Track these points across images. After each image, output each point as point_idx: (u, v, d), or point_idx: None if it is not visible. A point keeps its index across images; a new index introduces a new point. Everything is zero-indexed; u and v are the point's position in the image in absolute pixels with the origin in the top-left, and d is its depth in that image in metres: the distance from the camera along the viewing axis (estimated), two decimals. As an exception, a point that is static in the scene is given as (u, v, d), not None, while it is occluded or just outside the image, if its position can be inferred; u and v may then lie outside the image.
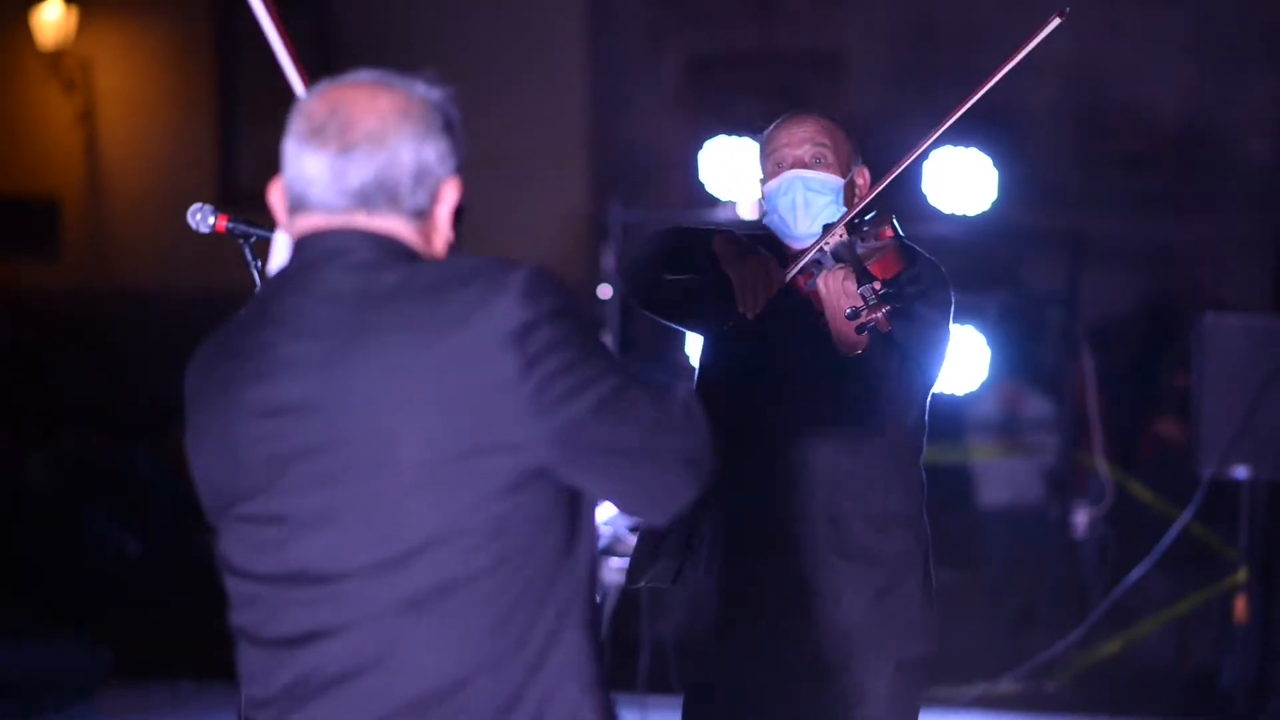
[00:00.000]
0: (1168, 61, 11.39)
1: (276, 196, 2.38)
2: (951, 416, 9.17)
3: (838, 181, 3.84)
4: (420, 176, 2.32)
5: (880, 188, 3.82)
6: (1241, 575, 7.26)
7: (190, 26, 11.95)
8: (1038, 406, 9.59)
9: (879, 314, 3.59)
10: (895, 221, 3.77)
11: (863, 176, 3.90)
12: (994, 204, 6.19)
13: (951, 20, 11.58)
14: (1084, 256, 9.20)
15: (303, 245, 2.33)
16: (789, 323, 3.76)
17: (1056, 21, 3.72)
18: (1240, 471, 7.15)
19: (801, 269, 3.76)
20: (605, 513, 6.29)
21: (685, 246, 3.84)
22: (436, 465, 2.21)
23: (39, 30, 11.77)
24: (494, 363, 2.20)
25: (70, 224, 12.07)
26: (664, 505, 2.35)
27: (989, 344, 5.94)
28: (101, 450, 10.58)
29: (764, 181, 3.91)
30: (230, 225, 3.58)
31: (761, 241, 3.86)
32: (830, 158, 3.84)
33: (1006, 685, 7.93)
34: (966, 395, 6.12)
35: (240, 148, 11.93)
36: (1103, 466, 8.62)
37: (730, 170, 6.95)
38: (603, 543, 6.42)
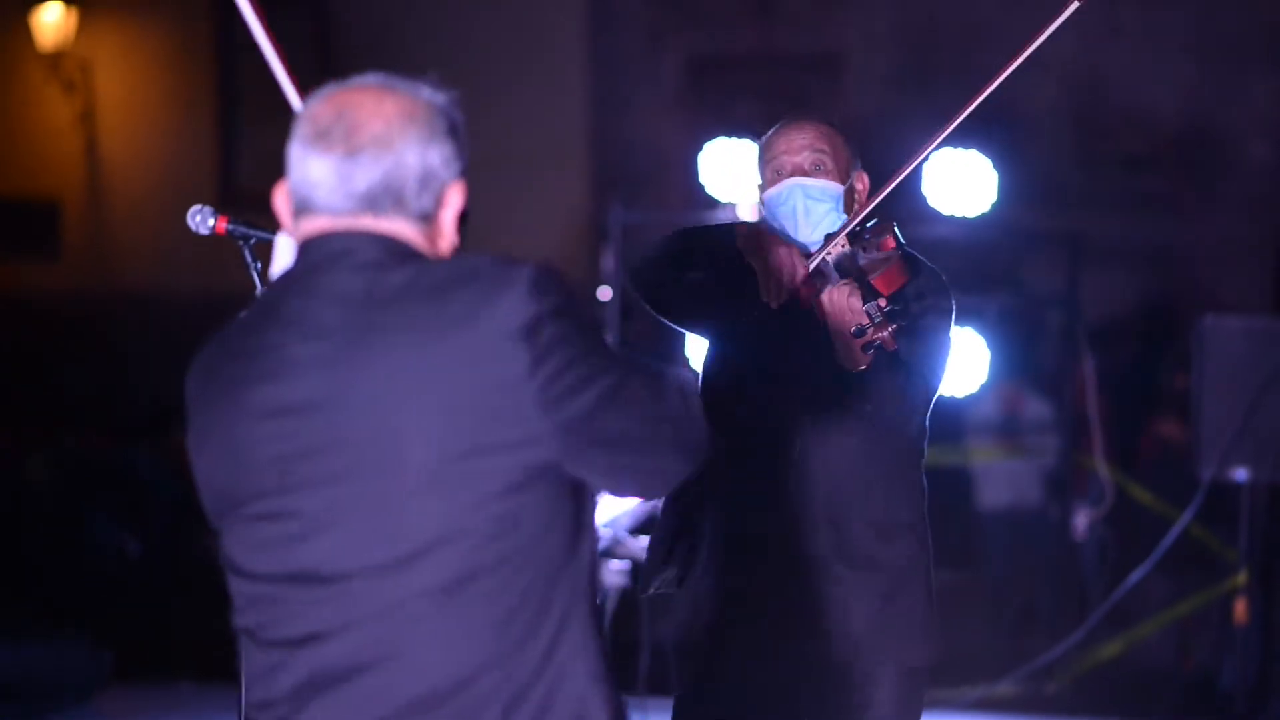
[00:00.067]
0: (1168, 62, 11.38)
1: (281, 199, 2.38)
2: (951, 418, 9.17)
3: (838, 189, 3.82)
4: (425, 180, 2.33)
5: (888, 189, 3.79)
6: (1241, 577, 7.26)
7: (190, 28, 11.95)
8: (1038, 408, 9.59)
9: (885, 333, 3.56)
10: (897, 230, 3.76)
11: (862, 182, 3.89)
12: (994, 205, 6.19)
13: (952, 20, 11.58)
14: (1084, 257, 9.21)
15: (308, 248, 2.34)
16: (792, 330, 3.75)
17: (1075, 6, 3.70)
18: (1240, 473, 7.16)
19: (803, 280, 3.75)
20: (605, 514, 6.29)
21: (697, 245, 3.83)
22: (444, 463, 2.22)
23: (39, 31, 11.76)
24: (503, 359, 2.21)
25: (70, 225, 12.07)
26: (656, 488, 2.42)
27: (989, 345, 5.94)
28: (101, 450, 10.58)
29: (763, 188, 3.89)
30: (230, 227, 3.58)
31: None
32: (830, 164, 3.82)
33: (1006, 687, 7.93)
34: (966, 397, 6.11)
35: (240, 149, 11.92)
36: (1103, 468, 8.62)
37: (730, 172, 6.95)
38: (603, 545, 6.42)
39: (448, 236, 2.37)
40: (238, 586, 2.35)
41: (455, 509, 2.22)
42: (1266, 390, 7.06)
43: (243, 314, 2.41)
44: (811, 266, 3.73)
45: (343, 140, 2.30)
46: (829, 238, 3.77)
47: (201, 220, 3.58)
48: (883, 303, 3.58)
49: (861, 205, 3.86)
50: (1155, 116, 11.49)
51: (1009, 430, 9.63)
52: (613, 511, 6.39)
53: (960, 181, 6.08)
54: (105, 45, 11.91)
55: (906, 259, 3.74)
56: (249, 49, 3.24)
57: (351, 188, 2.31)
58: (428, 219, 2.34)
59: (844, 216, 3.83)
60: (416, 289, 2.26)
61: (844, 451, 3.73)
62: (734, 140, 6.97)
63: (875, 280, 3.67)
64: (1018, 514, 9.62)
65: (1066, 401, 9.14)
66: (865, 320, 3.58)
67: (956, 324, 3.87)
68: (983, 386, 6.04)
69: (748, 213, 7.28)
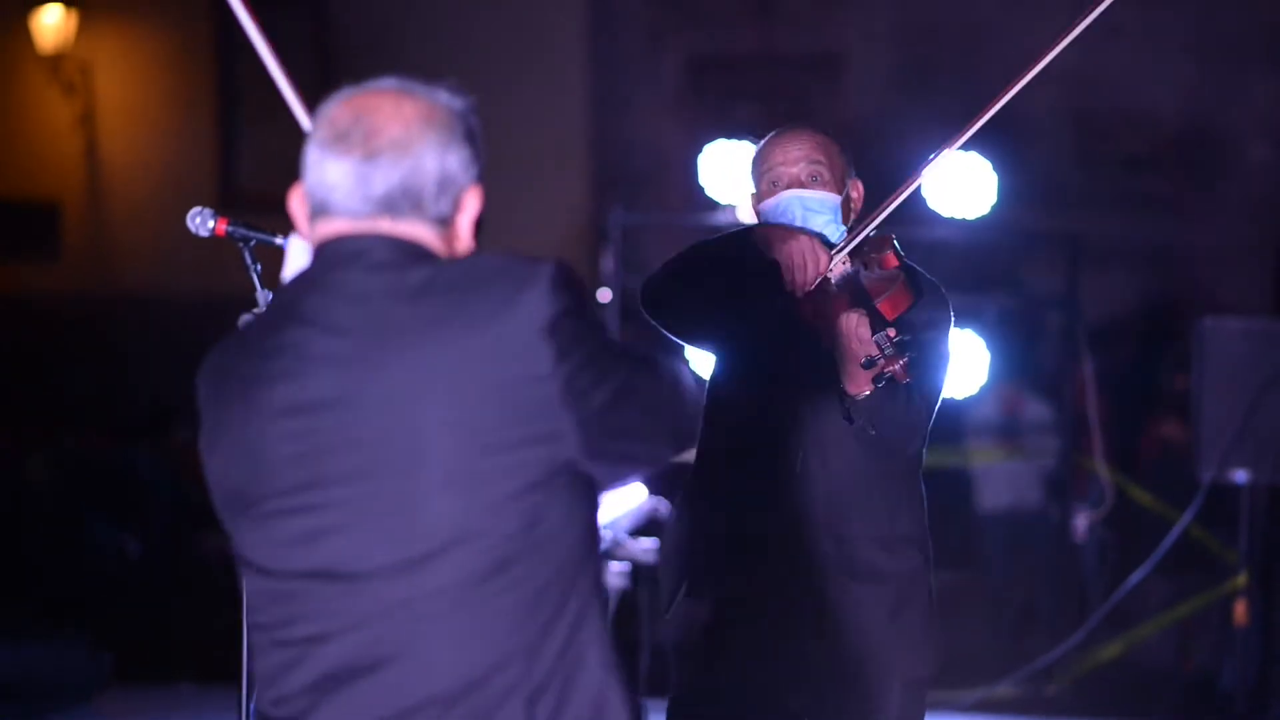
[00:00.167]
0: (1168, 62, 11.38)
1: (296, 202, 2.38)
2: (951, 419, 9.16)
3: (835, 199, 3.81)
4: (444, 184, 2.33)
5: (895, 202, 3.77)
6: (1241, 579, 7.26)
7: (190, 29, 11.94)
8: (1038, 409, 9.59)
9: (897, 366, 3.52)
10: (896, 243, 3.74)
11: (857, 190, 3.88)
12: (994, 206, 6.18)
13: (952, 21, 11.58)
14: (1084, 258, 9.20)
15: (324, 249, 2.34)
16: (798, 345, 3.73)
17: (1100, 8, 3.69)
18: (1240, 475, 7.15)
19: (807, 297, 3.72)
20: (606, 516, 6.29)
21: (706, 261, 3.79)
22: (465, 460, 2.22)
23: (39, 34, 11.76)
24: (527, 356, 2.22)
25: (70, 226, 12.07)
26: (645, 472, 2.48)
27: (989, 347, 5.93)
28: (101, 450, 10.58)
29: (757, 198, 3.88)
30: (230, 229, 3.59)
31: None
32: (827, 175, 3.80)
33: (1006, 688, 7.93)
34: (966, 398, 6.11)
35: (240, 149, 11.92)
36: (1103, 469, 8.62)
37: (730, 173, 6.94)
38: (603, 546, 6.42)
39: (464, 240, 2.37)
40: (252, 584, 2.34)
41: (475, 507, 2.23)
42: (1266, 391, 7.06)
43: (246, 315, 2.41)
44: (833, 261, 3.70)
45: (361, 143, 2.31)
46: (834, 250, 3.74)
47: (201, 222, 3.58)
48: (892, 333, 3.53)
49: (859, 214, 3.85)
50: (1155, 116, 11.49)
51: (1009, 431, 9.63)
52: (613, 513, 6.40)
53: (960, 183, 6.07)
54: (105, 47, 11.91)
55: (909, 277, 3.72)
56: (249, 50, 3.24)
57: (370, 191, 2.31)
58: (445, 223, 2.35)
59: (842, 226, 3.82)
60: (435, 287, 2.26)
61: (846, 464, 3.72)
62: (734, 141, 6.97)
63: (881, 304, 3.63)
64: (1018, 515, 9.62)
65: (1066, 402, 9.14)
66: (875, 351, 3.53)
67: (956, 325, 3.87)
68: (983, 388, 6.03)
69: (748, 215, 7.29)
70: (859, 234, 3.75)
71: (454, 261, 2.33)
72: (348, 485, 2.25)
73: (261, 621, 2.34)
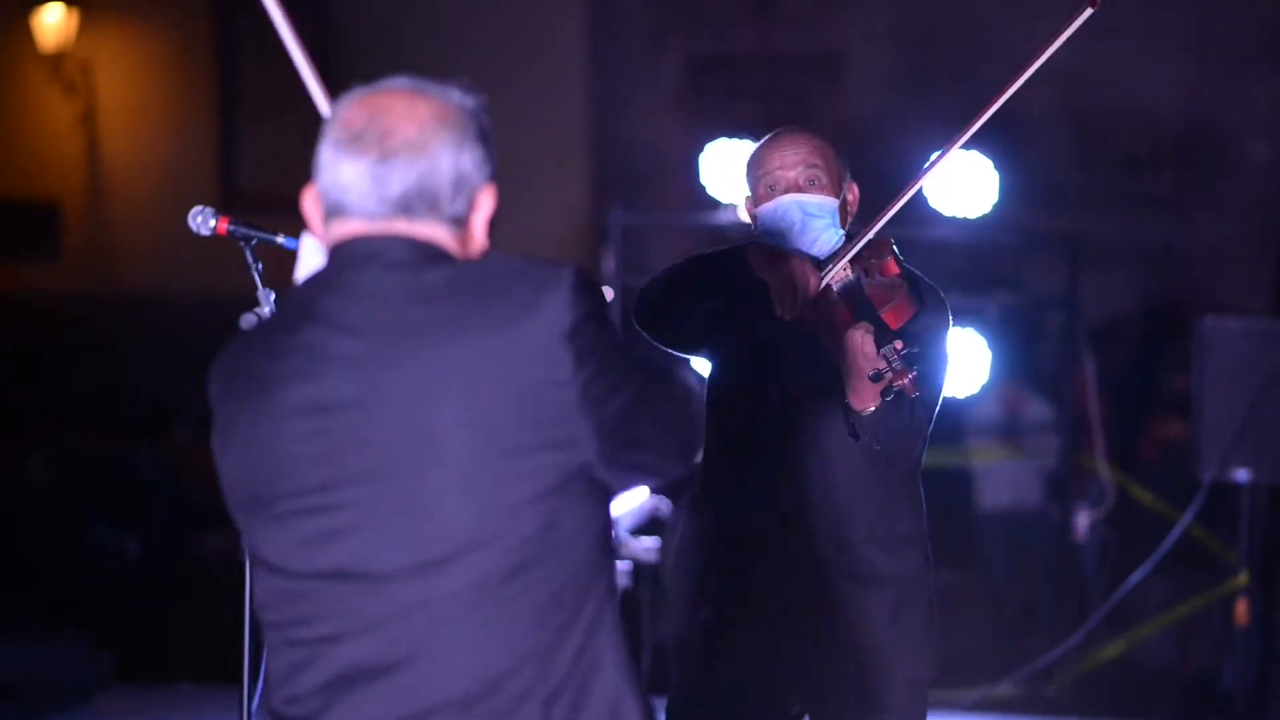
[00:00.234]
0: (1168, 62, 11.38)
1: (310, 203, 2.38)
2: (952, 419, 9.16)
3: (833, 203, 3.80)
4: (459, 184, 2.33)
5: (896, 206, 3.77)
6: (1242, 578, 7.26)
7: (191, 28, 11.94)
8: (1038, 409, 9.58)
9: (905, 380, 3.50)
10: (895, 248, 3.73)
11: (853, 193, 3.87)
12: (994, 206, 6.19)
13: (952, 21, 11.57)
14: (1084, 258, 9.19)
15: (340, 250, 2.34)
16: (798, 353, 3.73)
17: (1088, 12, 3.69)
18: (1241, 474, 7.15)
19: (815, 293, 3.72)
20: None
21: (703, 274, 3.80)
22: (482, 463, 2.22)
23: (39, 33, 11.76)
24: (548, 361, 2.22)
25: (71, 226, 12.07)
26: (654, 482, 2.46)
27: (989, 346, 5.94)
28: (101, 450, 10.58)
29: (754, 202, 3.87)
30: (231, 228, 3.59)
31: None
32: (824, 179, 3.80)
33: (1006, 688, 7.93)
34: (967, 398, 6.11)
35: (241, 149, 11.92)
36: (1103, 469, 8.62)
37: (730, 172, 6.95)
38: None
39: (479, 240, 2.37)
40: (265, 583, 2.34)
41: (492, 509, 2.23)
42: (1266, 391, 7.06)
43: (248, 315, 2.41)
44: (824, 282, 3.70)
45: (376, 144, 2.30)
46: (832, 258, 3.73)
47: (202, 221, 3.59)
48: (900, 345, 3.51)
49: (855, 216, 3.85)
50: (1155, 116, 11.48)
51: (1009, 431, 9.63)
52: (614, 513, 6.40)
53: (961, 182, 6.07)
54: (106, 46, 11.91)
55: (912, 285, 3.71)
56: (250, 51, 3.24)
57: (385, 192, 2.31)
58: (460, 223, 2.34)
59: (840, 230, 3.82)
60: (454, 289, 2.26)
61: (846, 465, 3.72)
62: (734, 141, 6.97)
63: (886, 314, 3.62)
64: (1018, 515, 9.61)
65: (1067, 402, 9.13)
66: (883, 365, 3.52)
67: (956, 325, 3.87)
68: (983, 387, 6.04)
69: (746, 217, 7.29)
70: (857, 242, 3.74)
71: (471, 262, 2.33)
72: (363, 485, 2.25)
73: (274, 620, 2.34)
